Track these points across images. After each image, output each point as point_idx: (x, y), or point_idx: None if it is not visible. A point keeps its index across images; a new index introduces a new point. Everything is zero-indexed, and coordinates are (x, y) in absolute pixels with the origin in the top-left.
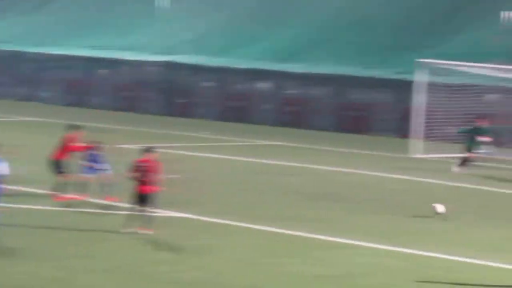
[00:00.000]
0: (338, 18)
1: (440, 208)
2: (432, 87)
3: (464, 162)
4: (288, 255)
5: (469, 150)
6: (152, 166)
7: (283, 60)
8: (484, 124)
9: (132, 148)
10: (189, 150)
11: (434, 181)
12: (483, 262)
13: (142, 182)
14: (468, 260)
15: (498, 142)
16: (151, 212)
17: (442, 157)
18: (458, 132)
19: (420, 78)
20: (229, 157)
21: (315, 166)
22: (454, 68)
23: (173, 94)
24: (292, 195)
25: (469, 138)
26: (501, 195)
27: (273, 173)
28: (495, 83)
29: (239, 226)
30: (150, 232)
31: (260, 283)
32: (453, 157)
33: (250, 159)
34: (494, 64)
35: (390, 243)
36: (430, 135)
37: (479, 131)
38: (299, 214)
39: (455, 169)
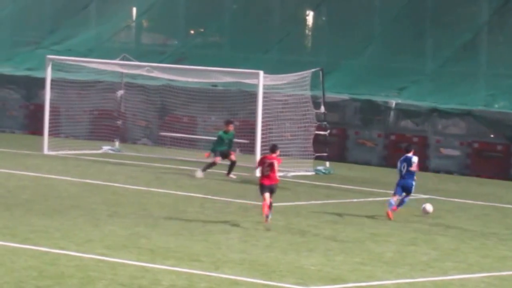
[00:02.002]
0: None
1: (429, 207)
2: (61, 84)
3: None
4: None
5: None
6: None
7: None
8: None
9: None
10: None
11: (62, 177)
12: (112, 259)
13: None
14: (98, 256)
15: (124, 138)
16: None
17: (72, 154)
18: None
19: (49, 74)
20: None
21: None
22: (82, 64)
23: None
24: None
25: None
26: (128, 190)
27: None
28: (120, 79)
29: None
30: None
31: None
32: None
33: None
34: (119, 60)
35: (17, 241)
36: (61, 132)
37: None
38: None
39: (200, 174)
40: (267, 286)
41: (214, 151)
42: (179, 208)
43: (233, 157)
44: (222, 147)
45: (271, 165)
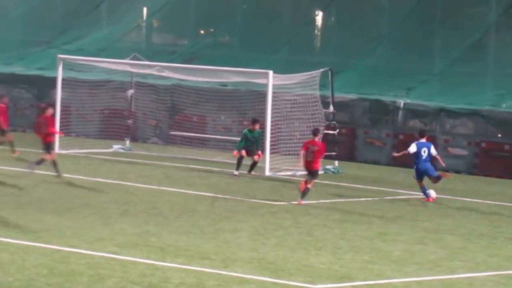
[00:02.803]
0: None
1: (433, 194)
2: (73, 83)
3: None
4: None
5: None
6: None
7: None
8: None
9: None
10: None
11: (74, 176)
12: (123, 257)
13: None
14: (108, 255)
15: (134, 137)
16: None
17: (83, 153)
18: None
19: (60, 74)
20: None
21: None
22: (92, 64)
23: None
24: None
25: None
26: (139, 189)
27: None
28: (130, 79)
29: None
30: None
31: None
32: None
33: None
34: (129, 60)
35: (28, 239)
36: (72, 131)
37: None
38: None
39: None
40: (276, 284)
41: (238, 148)
42: (189, 206)
43: (256, 157)
44: (246, 144)
45: (314, 153)
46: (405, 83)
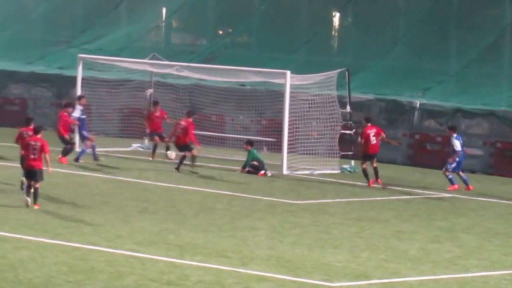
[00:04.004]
0: None
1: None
2: (92, 82)
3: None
4: None
5: None
6: None
7: None
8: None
9: None
10: None
11: (93, 174)
12: (141, 255)
13: None
14: (127, 252)
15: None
16: None
17: (102, 151)
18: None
19: (80, 73)
20: None
21: None
22: (112, 63)
23: None
24: None
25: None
26: (158, 187)
27: None
28: (149, 78)
29: None
30: None
31: None
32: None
33: None
34: (149, 60)
35: (48, 236)
36: (92, 129)
37: None
38: None
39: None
40: (294, 282)
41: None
42: (207, 205)
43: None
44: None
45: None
46: (421, 84)
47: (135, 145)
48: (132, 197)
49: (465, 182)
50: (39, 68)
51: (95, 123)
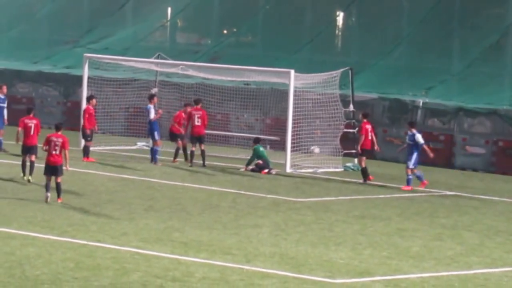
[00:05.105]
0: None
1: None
2: (98, 81)
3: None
4: None
5: None
6: None
7: None
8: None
9: None
10: None
11: (99, 172)
12: (147, 252)
13: None
14: (133, 249)
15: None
16: None
17: (108, 149)
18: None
19: (86, 72)
20: None
21: None
22: (118, 62)
23: None
24: None
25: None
26: (163, 185)
27: None
28: (155, 78)
29: None
30: None
31: None
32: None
33: None
34: (154, 59)
35: (55, 234)
36: (98, 128)
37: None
38: None
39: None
40: (297, 279)
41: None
42: (212, 202)
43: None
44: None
45: None
46: (424, 83)
47: (140, 144)
48: (137, 195)
49: (419, 178)
50: (45, 68)
51: (101, 122)
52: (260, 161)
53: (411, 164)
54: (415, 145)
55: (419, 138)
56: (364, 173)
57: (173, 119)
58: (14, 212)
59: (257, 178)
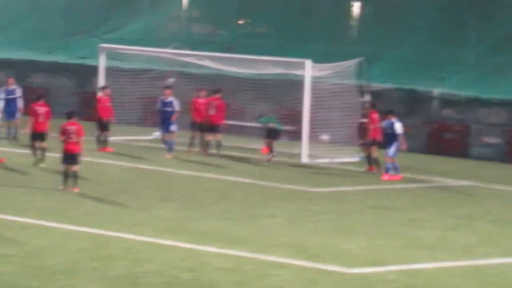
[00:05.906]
0: (12, 5)
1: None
2: (114, 72)
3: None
4: None
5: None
6: None
7: None
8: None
9: None
10: None
11: (114, 162)
12: (162, 242)
13: None
14: (147, 239)
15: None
16: None
17: (123, 140)
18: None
19: (102, 63)
20: None
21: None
22: (133, 53)
23: None
24: None
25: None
26: (178, 176)
27: None
28: (170, 68)
29: None
30: None
31: None
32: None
33: None
34: (170, 49)
35: (71, 224)
36: (117, 119)
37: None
38: None
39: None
40: (312, 268)
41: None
42: (226, 193)
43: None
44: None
45: None
46: (439, 73)
47: (156, 134)
48: (152, 185)
49: (396, 169)
50: (60, 58)
51: (116, 112)
52: (272, 124)
53: (390, 153)
54: (393, 134)
55: (398, 127)
56: (375, 163)
57: (192, 106)
58: (29, 202)
59: (271, 169)
